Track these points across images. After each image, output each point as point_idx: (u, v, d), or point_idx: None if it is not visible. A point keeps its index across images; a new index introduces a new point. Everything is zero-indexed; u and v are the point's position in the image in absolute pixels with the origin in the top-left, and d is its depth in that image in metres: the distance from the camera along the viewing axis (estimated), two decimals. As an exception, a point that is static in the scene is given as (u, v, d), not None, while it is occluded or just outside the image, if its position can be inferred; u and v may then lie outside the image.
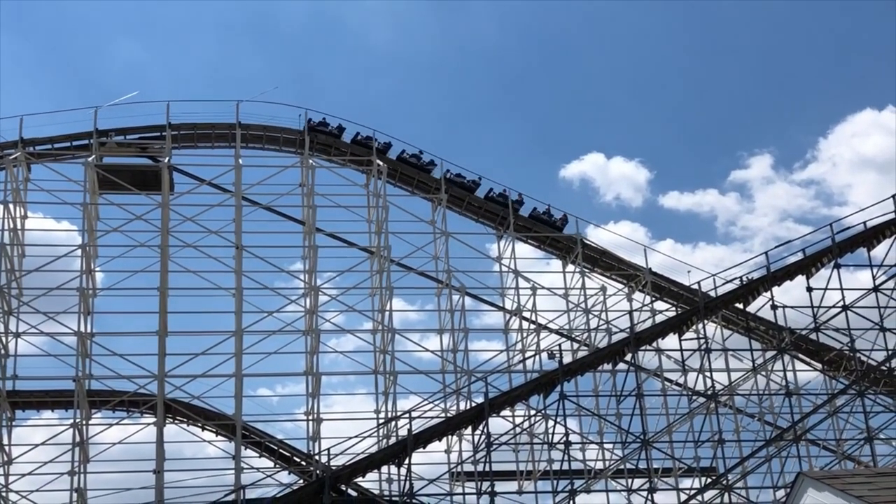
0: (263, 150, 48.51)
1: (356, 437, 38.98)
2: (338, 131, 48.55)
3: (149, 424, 41.81)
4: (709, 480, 40.94)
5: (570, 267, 48.75)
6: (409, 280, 47.36)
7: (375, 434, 41.45)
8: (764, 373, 44.61)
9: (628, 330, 41.26)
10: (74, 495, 39.38)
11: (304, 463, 42.62)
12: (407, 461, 37.62)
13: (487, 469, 38.41)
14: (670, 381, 46.73)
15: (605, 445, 45.43)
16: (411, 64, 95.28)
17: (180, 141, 47.15)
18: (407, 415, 38.93)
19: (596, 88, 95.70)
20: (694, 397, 42.90)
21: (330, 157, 48.26)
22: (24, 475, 40.53)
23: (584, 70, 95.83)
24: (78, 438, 40.22)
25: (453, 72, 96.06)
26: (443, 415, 41.59)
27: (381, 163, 47.18)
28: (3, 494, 39.50)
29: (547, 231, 49.01)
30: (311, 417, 42.64)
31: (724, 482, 39.61)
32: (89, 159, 44.50)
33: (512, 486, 44.04)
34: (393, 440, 40.12)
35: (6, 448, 40.65)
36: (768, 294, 42.10)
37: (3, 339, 41.53)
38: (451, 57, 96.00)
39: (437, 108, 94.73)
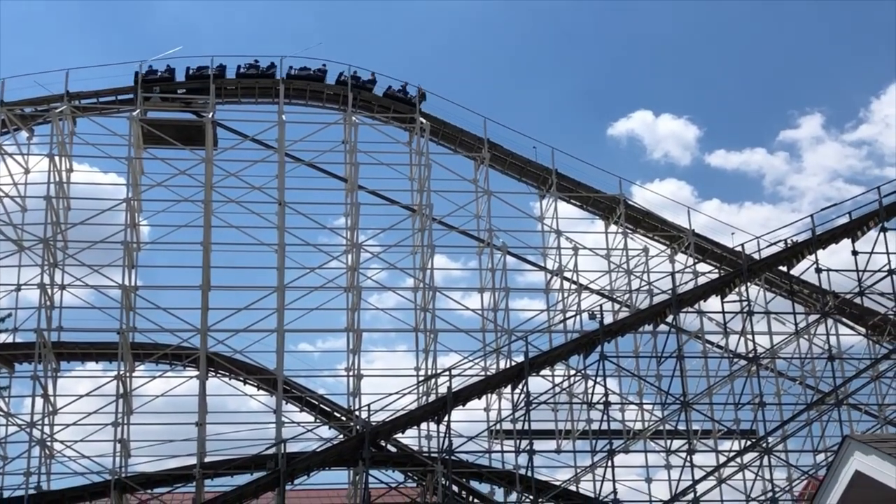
0: (307, 107, 48.39)
1: (396, 393, 39.31)
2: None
3: (191, 378, 42.25)
4: (748, 443, 40.81)
5: (613, 227, 48.43)
6: (450, 238, 47.24)
7: (415, 391, 41.70)
8: (806, 336, 44.36)
9: (670, 291, 41.05)
10: (118, 446, 39.98)
11: (344, 418, 42.90)
12: (446, 418, 37.82)
13: (526, 428, 38.49)
14: (711, 343, 46.43)
15: (645, 406, 45.48)
16: (458, 19, 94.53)
17: (224, 96, 47.20)
18: (447, 373, 39.05)
19: (644, 44, 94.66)
20: (735, 360, 42.71)
21: (373, 114, 48.11)
22: (68, 425, 41.14)
23: (631, 25, 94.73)
24: (122, 390, 40.79)
25: (499, 28, 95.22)
26: (483, 373, 41.69)
27: (424, 120, 46.98)
28: (48, 444, 40.13)
29: (397, 108, 47.67)
30: (351, 373, 42.88)
31: (764, 445, 39.42)
32: (134, 113, 44.70)
33: (550, 445, 44.15)
34: (433, 397, 40.32)
35: (51, 398, 41.22)
36: (813, 257, 41.68)
37: (49, 290, 41.98)
38: (496, 12, 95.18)
39: (483, 65, 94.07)
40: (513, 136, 48.33)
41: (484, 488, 41.05)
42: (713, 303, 42.24)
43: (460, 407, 38.74)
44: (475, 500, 40.98)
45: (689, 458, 38.65)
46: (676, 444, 41.71)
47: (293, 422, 42.21)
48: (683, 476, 38.52)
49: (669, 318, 41.21)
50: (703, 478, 38.85)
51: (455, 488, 39.40)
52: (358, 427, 39.16)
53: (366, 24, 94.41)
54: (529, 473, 38.11)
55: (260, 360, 42.80)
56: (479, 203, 46.66)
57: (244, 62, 47.50)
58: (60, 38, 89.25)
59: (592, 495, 38.21)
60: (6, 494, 39.21)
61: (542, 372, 40.91)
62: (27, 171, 45.06)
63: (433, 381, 41.56)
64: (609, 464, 37.74)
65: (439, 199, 46.24)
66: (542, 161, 48.01)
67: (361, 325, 43.72)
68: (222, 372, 43.34)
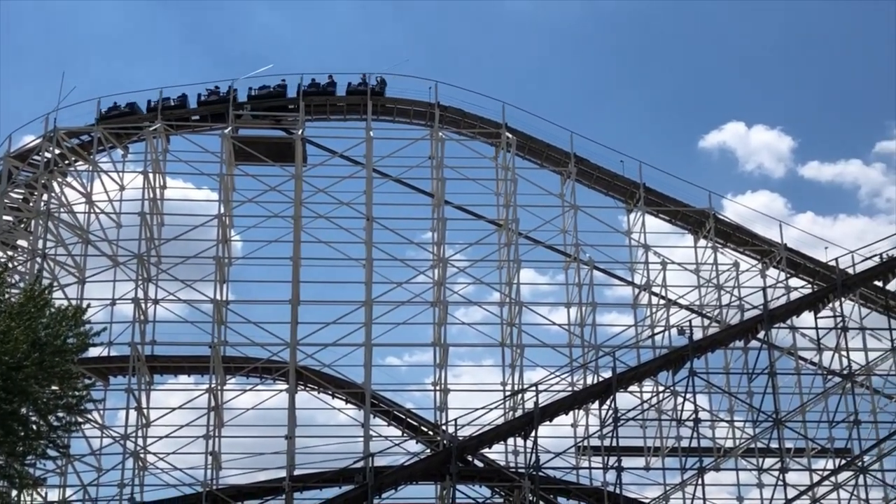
0: (394, 123, 48.77)
1: (483, 408, 39.34)
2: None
3: (281, 391, 42.82)
4: (843, 462, 39.93)
5: (702, 242, 47.80)
6: (537, 253, 47.19)
7: (502, 406, 41.60)
8: (903, 353, 43.19)
9: (761, 307, 40.38)
10: (209, 458, 40.65)
11: (431, 433, 42.98)
12: (533, 434, 37.72)
13: (614, 444, 38.19)
14: (804, 359, 45.53)
15: (736, 423, 44.73)
16: (546, 32, 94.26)
17: (313, 113, 47.82)
18: (534, 388, 38.94)
19: (736, 55, 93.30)
20: (829, 377, 41.86)
21: (459, 129, 48.26)
22: (160, 438, 41.91)
23: (723, 36, 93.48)
24: (213, 403, 41.47)
25: (587, 40, 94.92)
26: (570, 389, 41.48)
27: (510, 135, 46.99)
28: (142, 455, 40.92)
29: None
30: (438, 388, 43.00)
31: (860, 464, 38.56)
32: (226, 131, 45.56)
33: (639, 461, 43.72)
34: (519, 412, 40.20)
35: (144, 411, 42.05)
36: (911, 272, 40.69)
37: (143, 305, 42.89)
38: (584, 24, 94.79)
39: (571, 78, 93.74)
40: (600, 150, 48.12)
41: (571, 505, 40.80)
42: (806, 318, 41.67)
43: (547, 422, 38.64)
44: (562, 517, 40.74)
45: (781, 477, 38.06)
46: (769, 462, 41.00)
47: (381, 436, 42.43)
48: (776, 495, 38.01)
49: (761, 334, 40.58)
50: (797, 497, 38.20)
51: (542, 504, 39.23)
52: (445, 442, 39.20)
53: (449, 37, 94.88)
54: (618, 490, 37.83)
55: (348, 374, 43.29)
56: (566, 217, 46.51)
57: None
58: (150, 56, 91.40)
59: (682, 513, 37.77)
60: (101, 505, 40.18)
61: (630, 388, 40.66)
62: (122, 188, 46.25)
63: (520, 396, 41.45)
64: (699, 482, 37.33)
65: (525, 213, 46.36)
66: (629, 175, 47.75)
67: (448, 340, 43.94)
68: (311, 385, 43.76)
